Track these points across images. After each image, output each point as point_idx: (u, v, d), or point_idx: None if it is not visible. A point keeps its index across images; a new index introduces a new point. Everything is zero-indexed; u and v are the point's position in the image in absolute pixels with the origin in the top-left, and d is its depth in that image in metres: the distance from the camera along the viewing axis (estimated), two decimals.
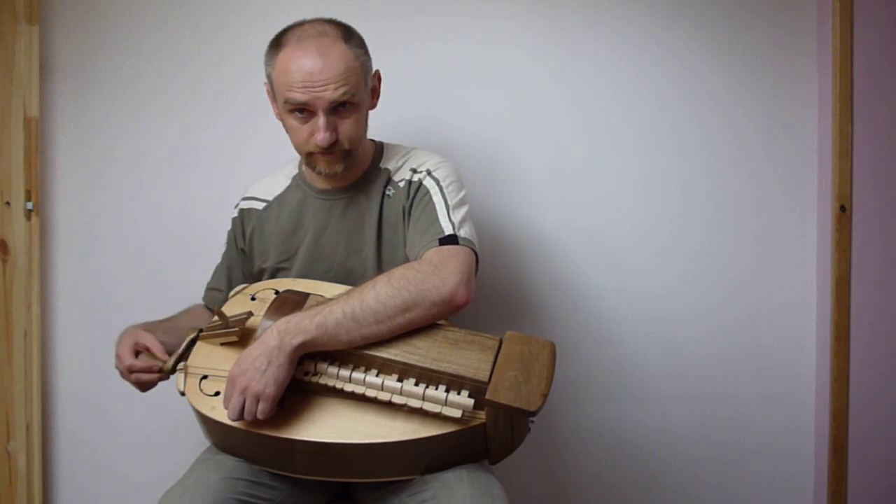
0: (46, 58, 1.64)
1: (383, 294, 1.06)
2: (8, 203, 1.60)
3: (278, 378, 1.02)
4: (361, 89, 1.20)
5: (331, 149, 1.19)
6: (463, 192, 1.26)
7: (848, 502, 1.55)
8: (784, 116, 1.62)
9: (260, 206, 1.34)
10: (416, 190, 1.25)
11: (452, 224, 1.18)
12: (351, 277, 1.25)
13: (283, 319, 1.05)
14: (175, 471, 1.13)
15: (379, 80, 1.28)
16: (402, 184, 1.27)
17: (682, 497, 1.68)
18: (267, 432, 1.04)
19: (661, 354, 1.66)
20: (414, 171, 1.27)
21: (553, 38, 1.63)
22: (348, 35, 1.20)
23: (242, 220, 1.35)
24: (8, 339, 1.61)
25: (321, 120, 1.16)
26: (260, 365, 1.02)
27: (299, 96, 1.15)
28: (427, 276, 1.09)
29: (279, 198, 1.33)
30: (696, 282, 1.65)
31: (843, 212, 1.53)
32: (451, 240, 1.16)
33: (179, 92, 1.66)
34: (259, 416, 1.02)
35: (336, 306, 1.05)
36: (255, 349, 1.03)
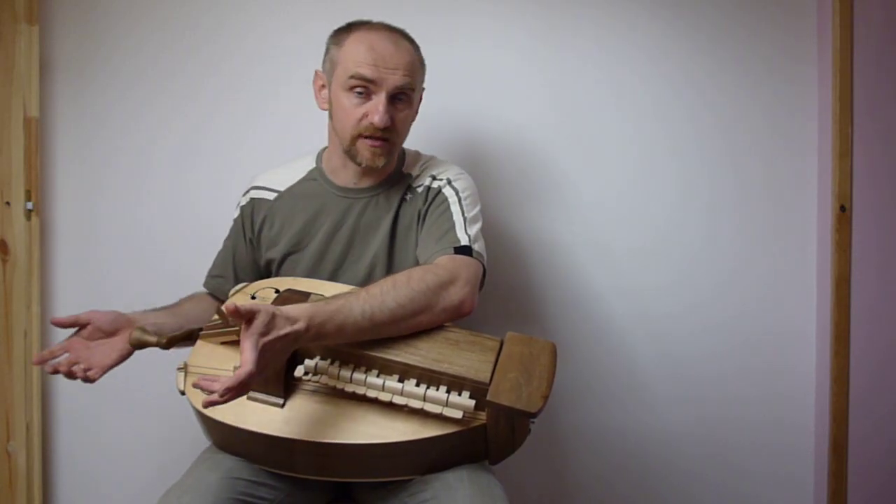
0: (46, 58, 1.64)
1: (402, 296, 1.06)
2: (8, 203, 1.60)
3: (274, 365, 0.99)
4: (418, 90, 1.25)
5: (384, 133, 1.20)
6: (478, 208, 1.28)
7: (848, 502, 1.55)
8: (784, 117, 1.62)
9: (271, 196, 1.33)
10: (434, 196, 1.26)
11: (468, 236, 1.20)
12: (357, 277, 1.26)
13: (308, 311, 1.00)
14: (175, 470, 1.13)
15: (421, 98, 1.31)
16: (420, 189, 1.28)
17: (683, 495, 1.68)
18: (268, 432, 1.03)
19: (662, 354, 1.66)
20: (434, 177, 1.29)
21: (550, 42, 1.63)
22: (412, 40, 1.26)
23: (253, 208, 1.34)
24: (8, 339, 1.61)
25: (383, 100, 1.19)
26: (279, 350, 0.96)
27: (368, 72, 1.18)
28: (442, 281, 1.10)
29: (292, 189, 1.33)
30: (697, 282, 1.65)
31: (843, 212, 1.53)
32: (465, 251, 1.18)
33: (180, 91, 1.66)
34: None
35: (356, 305, 1.04)
36: (283, 327, 0.96)
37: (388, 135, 1.21)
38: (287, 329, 0.96)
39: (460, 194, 1.26)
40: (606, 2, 1.63)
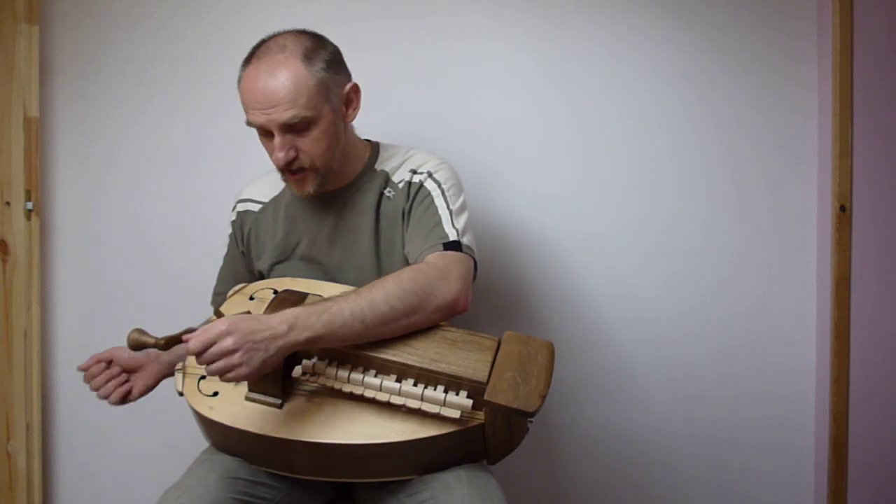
0: (46, 58, 1.64)
1: (392, 296, 1.05)
2: (8, 203, 1.60)
3: (264, 364, 0.98)
4: (319, 106, 1.15)
5: (290, 167, 1.18)
6: (463, 197, 1.25)
7: (848, 502, 1.55)
8: (784, 117, 1.62)
9: (256, 207, 1.33)
10: (416, 191, 1.24)
11: (456, 230, 1.18)
12: (347, 278, 1.25)
13: (294, 311, 1.02)
14: (175, 470, 1.13)
15: (356, 91, 1.24)
16: (401, 185, 1.26)
17: (683, 495, 1.68)
18: (266, 433, 1.04)
19: (660, 354, 1.66)
20: (414, 171, 1.26)
21: (550, 41, 1.63)
22: (312, 50, 1.16)
23: (241, 222, 1.34)
24: (8, 339, 1.61)
25: (276, 139, 1.15)
26: (258, 342, 0.98)
27: (254, 119, 1.15)
28: (433, 280, 1.09)
29: (275, 200, 1.33)
30: (696, 281, 1.65)
31: (843, 212, 1.53)
32: (455, 246, 1.16)
33: (180, 91, 1.66)
34: (220, 378, 0.97)
35: (345, 306, 1.03)
36: (262, 323, 0.99)
37: (301, 164, 1.18)
38: (266, 333, 0.98)
39: (443, 186, 1.23)
40: (606, 2, 1.62)
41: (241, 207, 1.35)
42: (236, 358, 0.97)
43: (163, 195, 1.67)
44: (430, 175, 1.25)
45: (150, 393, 1.54)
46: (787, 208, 1.63)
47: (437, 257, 1.14)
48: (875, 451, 1.52)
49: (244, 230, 1.34)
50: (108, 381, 1.18)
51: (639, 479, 1.68)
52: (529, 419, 1.03)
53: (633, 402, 1.67)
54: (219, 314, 1.13)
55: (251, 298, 1.20)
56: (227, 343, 0.96)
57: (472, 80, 1.64)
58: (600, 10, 1.62)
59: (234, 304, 1.20)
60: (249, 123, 1.17)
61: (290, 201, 1.31)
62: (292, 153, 1.16)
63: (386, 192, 1.26)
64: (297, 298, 1.13)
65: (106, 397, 1.19)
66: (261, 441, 1.05)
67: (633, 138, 1.64)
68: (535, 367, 1.04)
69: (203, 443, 1.17)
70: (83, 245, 1.68)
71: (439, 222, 1.19)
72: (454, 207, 1.21)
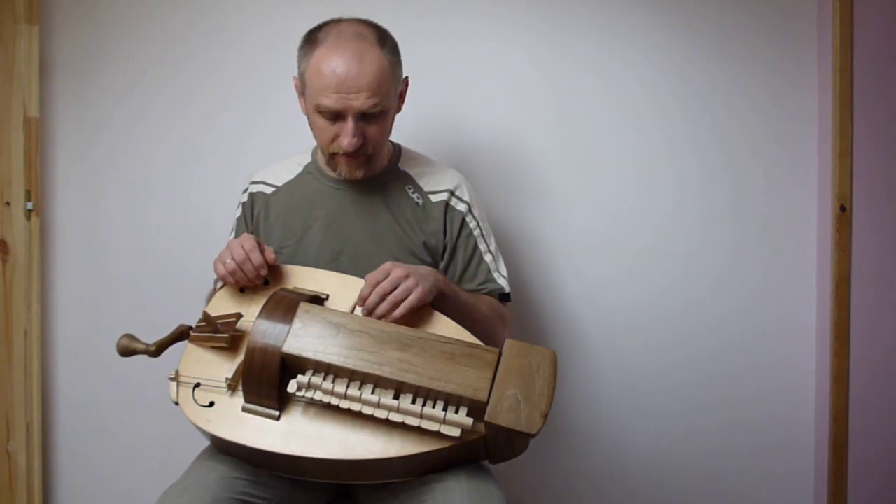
0: (46, 58, 1.64)
1: (487, 308, 1.25)
2: (8, 203, 1.60)
3: (430, 292, 1.11)
4: (391, 97, 1.21)
5: (356, 153, 1.20)
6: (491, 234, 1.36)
7: (848, 500, 1.55)
8: (784, 116, 1.62)
9: (268, 190, 1.34)
10: (459, 223, 1.30)
11: (505, 280, 1.32)
12: (366, 262, 1.24)
13: (431, 269, 1.18)
14: (175, 470, 1.13)
15: (406, 85, 1.29)
16: (435, 198, 1.29)
17: (683, 494, 1.68)
18: (265, 448, 1.03)
19: (660, 353, 1.66)
20: (451, 193, 1.30)
21: (549, 41, 1.63)
22: (383, 40, 1.21)
23: (253, 203, 1.35)
24: (8, 339, 1.61)
25: (350, 125, 1.17)
26: (422, 274, 1.12)
27: (331, 103, 1.16)
28: (501, 322, 1.29)
29: (289, 184, 1.33)
30: (696, 282, 1.65)
31: (843, 212, 1.53)
32: (507, 298, 1.33)
33: (180, 91, 1.66)
34: (396, 312, 1.08)
35: (462, 293, 1.22)
36: (416, 265, 1.16)
37: (365, 151, 1.21)
38: (423, 270, 1.14)
39: (480, 225, 1.31)
40: (607, 3, 1.62)
41: (253, 189, 1.36)
42: (411, 281, 1.09)
43: (163, 195, 1.67)
44: (469, 209, 1.31)
45: (150, 393, 1.54)
46: (786, 208, 1.63)
47: (504, 310, 1.32)
48: (875, 450, 1.52)
49: (254, 211, 1.34)
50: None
51: (638, 477, 1.68)
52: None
53: (632, 401, 1.67)
54: (206, 316, 1.11)
55: (241, 291, 1.18)
56: (399, 272, 1.09)
57: (471, 81, 1.64)
58: (600, 10, 1.62)
59: (223, 300, 1.18)
60: (318, 106, 1.18)
61: (309, 186, 1.31)
62: (361, 139, 1.19)
63: (413, 195, 1.30)
64: (293, 300, 1.11)
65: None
66: (261, 454, 1.04)
67: (633, 139, 1.64)
68: (538, 381, 1.01)
69: (203, 442, 1.17)
70: (83, 245, 1.68)
71: (488, 271, 1.31)
72: (492, 248, 1.33)
